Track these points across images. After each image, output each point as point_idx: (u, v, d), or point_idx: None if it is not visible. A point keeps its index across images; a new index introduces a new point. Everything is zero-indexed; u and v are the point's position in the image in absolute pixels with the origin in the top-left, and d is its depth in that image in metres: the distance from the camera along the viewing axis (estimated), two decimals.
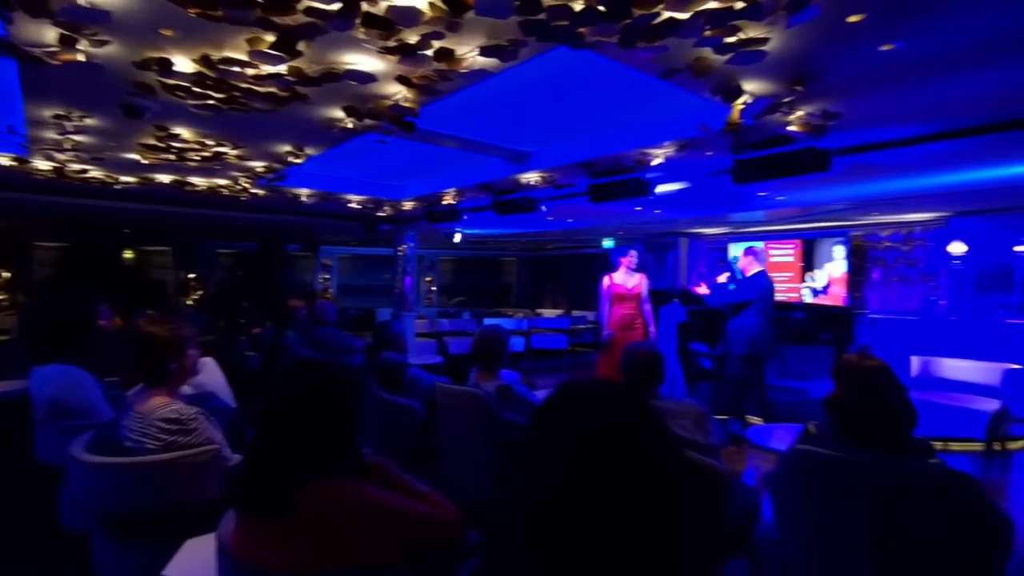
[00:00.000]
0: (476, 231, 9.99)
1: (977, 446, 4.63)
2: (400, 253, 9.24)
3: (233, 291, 11.38)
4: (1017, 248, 6.48)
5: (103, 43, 2.42)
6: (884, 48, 2.39)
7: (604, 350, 5.29)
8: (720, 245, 10.01)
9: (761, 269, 5.21)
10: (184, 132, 3.94)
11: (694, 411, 2.40)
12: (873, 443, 1.75)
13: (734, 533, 2.29)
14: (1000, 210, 6.50)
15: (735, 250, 9.58)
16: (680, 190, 5.51)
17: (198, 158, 4.55)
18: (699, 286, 5.67)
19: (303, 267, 12.85)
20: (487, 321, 9.74)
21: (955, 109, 3.26)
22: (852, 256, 8.18)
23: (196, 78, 2.77)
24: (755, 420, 4.90)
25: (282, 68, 2.66)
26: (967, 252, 6.84)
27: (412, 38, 2.35)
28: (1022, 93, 2.94)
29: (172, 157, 4.50)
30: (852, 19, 2.14)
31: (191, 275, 11.56)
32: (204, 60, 2.59)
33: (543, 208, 6.04)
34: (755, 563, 2.36)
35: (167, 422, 1.83)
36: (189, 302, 11.45)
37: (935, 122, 3.52)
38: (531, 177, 5.24)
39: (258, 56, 2.47)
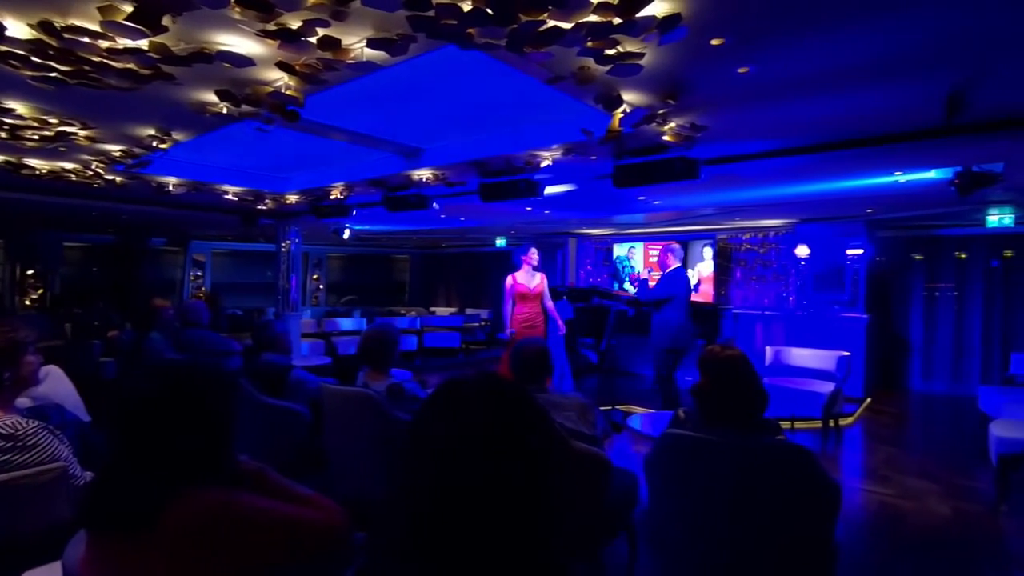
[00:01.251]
0: (367, 227, 9.69)
1: (816, 423, 5.32)
2: (284, 249, 8.73)
3: (84, 290, 10.12)
4: (848, 251, 7.52)
5: None
6: (741, 71, 2.68)
7: (507, 348, 5.38)
8: (605, 245, 10.57)
9: (679, 265, 5.44)
10: (19, 107, 3.43)
11: (579, 403, 2.53)
12: (731, 424, 1.97)
13: (615, 514, 2.45)
14: (836, 218, 7.52)
15: (619, 250, 10.17)
16: (567, 192, 5.74)
17: (37, 137, 3.97)
18: (624, 291, 5.84)
19: (171, 263, 11.69)
20: (378, 320, 9.51)
21: (802, 128, 3.72)
22: (718, 257, 9.02)
23: (34, 46, 2.42)
24: (639, 409, 5.22)
25: (143, 43, 2.41)
26: (810, 255, 7.82)
27: (294, 23, 2.23)
28: (857, 116, 3.42)
29: (3, 135, 3.89)
30: (715, 42, 2.36)
31: (29, 271, 10.06)
32: (45, 26, 2.27)
33: (435, 205, 6.00)
34: (633, 539, 2.54)
35: None
36: (27, 302, 9.97)
37: (785, 139, 3.98)
38: (423, 174, 5.18)
39: (113, 28, 2.22)
